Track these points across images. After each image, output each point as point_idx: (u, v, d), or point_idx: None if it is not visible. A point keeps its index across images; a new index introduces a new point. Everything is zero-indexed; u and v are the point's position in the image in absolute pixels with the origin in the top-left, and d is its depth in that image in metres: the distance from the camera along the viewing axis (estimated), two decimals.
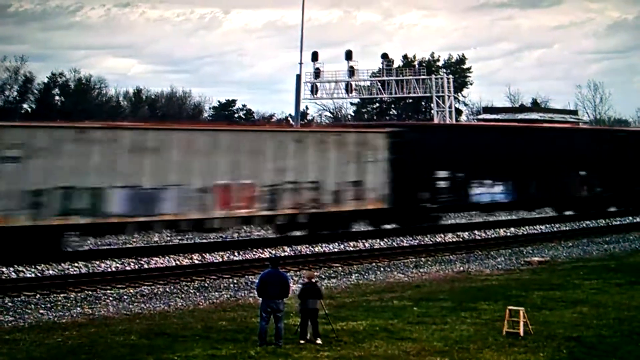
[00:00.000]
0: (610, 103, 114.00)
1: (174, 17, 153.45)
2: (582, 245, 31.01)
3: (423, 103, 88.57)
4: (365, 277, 23.48)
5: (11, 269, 23.26)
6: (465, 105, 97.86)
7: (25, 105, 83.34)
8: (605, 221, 39.05)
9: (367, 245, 29.88)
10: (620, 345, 13.61)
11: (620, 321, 15.45)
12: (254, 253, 27.45)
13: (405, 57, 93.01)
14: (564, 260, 26.62)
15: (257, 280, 14.07)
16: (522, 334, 14.03)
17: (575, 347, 13.52)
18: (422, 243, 30.72)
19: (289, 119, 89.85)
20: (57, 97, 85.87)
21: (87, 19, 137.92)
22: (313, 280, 14.29)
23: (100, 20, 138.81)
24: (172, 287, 21.45)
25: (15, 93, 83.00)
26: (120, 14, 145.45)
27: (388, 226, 32.17)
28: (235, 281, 22.46)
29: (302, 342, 13.60)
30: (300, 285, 15.62)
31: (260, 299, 13.79)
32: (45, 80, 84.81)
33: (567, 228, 36.37)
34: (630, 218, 40.52)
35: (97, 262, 24.64)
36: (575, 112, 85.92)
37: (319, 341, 13.61)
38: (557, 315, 16.00)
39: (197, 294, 20.66)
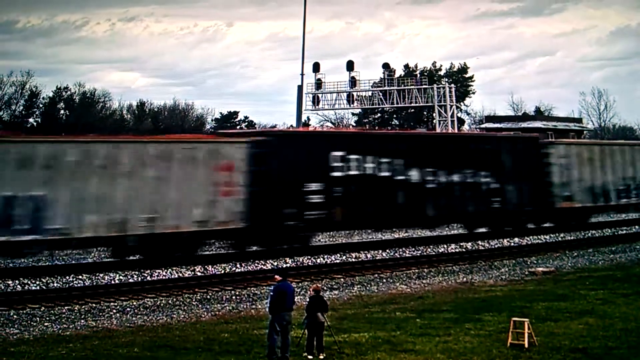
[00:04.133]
0: (615, 110, 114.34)
1: (177, 30, 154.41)
2: (588, 255, 30.85)
3: (425, 113, 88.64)
4: (367, 288, 23.40)
5: (17, 281, 23.29)
6: (468, 114, 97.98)
7: (31, 120, 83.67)
8: (612, 230, 38.98)
9: (369, 256, 29.83)
10: (627, 357, 13.49)
11: (627, 332, 15.31)
12: (256, 265, 27.43)
13: (406, 66, 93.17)
14: (569, 271, 26.47)
15: (272, 294, 13.47)
16: (527, 345, 13.93)
17: (581, 358, 13.41)
18: (425, 254, 30.65)
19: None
20: (62, 111, 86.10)
21: (92, 33, 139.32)
22: (320, 292, 14.15)
23: (105, 34, 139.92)
24: (174, 300, 21.41)
25: (21, 107, 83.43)
26: (124, 28, 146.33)
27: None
28: (237, 293, 22.40)
29: (310, 357, 13.49)
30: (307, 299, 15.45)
31: (271, 314, 13.31)
32: (51, 94, 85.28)
33: (572, 238, 36.25)
34: (637, 227, 40.46)
35: (101, 275, 24.67)
36: (579, 120, 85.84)
37: (322, 356, 13.52)
38: (562, 327, 15.88)
39: (200, 306, 20.61)
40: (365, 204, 31.01)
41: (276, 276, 13.86)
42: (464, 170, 34.25)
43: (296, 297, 16.12)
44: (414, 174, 32.72)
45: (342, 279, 24.93)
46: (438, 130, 66.67)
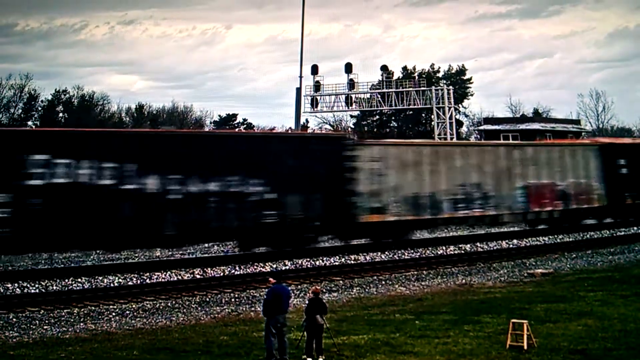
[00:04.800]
0: (613, 112, 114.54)
1: (176, 33, 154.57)
2: (586, 256, 30.85)
3: (423, 115, 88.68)
4: (366, 290, 23.41)
5: (15, 284, 23.28)
6: (466, 116, 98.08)
7: (29, 123, 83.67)
8: (610, 232, 38.95)
9: (368, 258, 29.86)
10: (626, 358, 13.50)
11: (626, 333, 15.32)
12: (255, 267, 27.45)
13: (405, 68, 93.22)
14: (568, 272, 26.48)
15: (266, 296, 13.58)
16: (526, 347, 13.94)
17: None
18: (424, 256, 30.67)
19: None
20: (60, 114, 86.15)
21: (91, 36, 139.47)
22: (319, 295, 14.15)
23: (104, 37, 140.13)
24: (174, 302, 21.41)
25: (20, 111, 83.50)
26: (123, 31, 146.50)
27: None
28: (236, 296, 22.41)
29: (309, 359, 13.51)
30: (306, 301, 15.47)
31: (266, 317, 13.40)
32: (50, 97, 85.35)
33: (571, 239, 36.25)
34: (635, 228, 40.39)
35: (100, 278, 24.69)
36: (577, 122, 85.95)
37: (321, 359, 13.52)
38: (561, 328, 15.90)
39: (199, 308, 20.61)
40: (70, 220, 25.37)
41: (270, 279, 13.89)
42: (226, 178, 28.26)
43: (295, 300, 16.17)
44: (152, 182, 26.89)
45: (341, 281, 24.94)
46: (436, 132, 66.73)
